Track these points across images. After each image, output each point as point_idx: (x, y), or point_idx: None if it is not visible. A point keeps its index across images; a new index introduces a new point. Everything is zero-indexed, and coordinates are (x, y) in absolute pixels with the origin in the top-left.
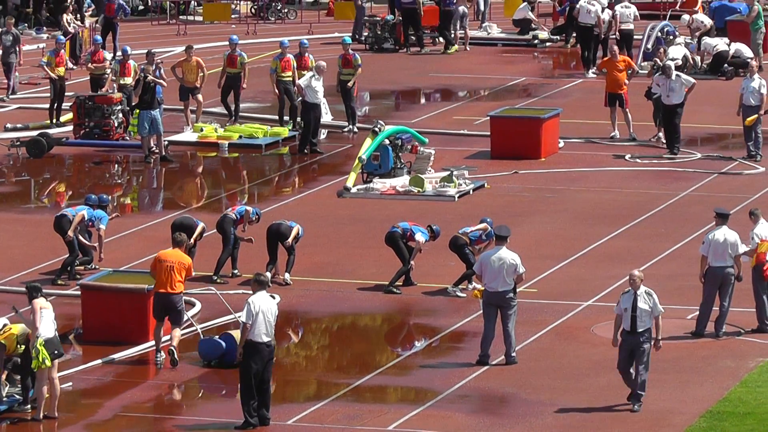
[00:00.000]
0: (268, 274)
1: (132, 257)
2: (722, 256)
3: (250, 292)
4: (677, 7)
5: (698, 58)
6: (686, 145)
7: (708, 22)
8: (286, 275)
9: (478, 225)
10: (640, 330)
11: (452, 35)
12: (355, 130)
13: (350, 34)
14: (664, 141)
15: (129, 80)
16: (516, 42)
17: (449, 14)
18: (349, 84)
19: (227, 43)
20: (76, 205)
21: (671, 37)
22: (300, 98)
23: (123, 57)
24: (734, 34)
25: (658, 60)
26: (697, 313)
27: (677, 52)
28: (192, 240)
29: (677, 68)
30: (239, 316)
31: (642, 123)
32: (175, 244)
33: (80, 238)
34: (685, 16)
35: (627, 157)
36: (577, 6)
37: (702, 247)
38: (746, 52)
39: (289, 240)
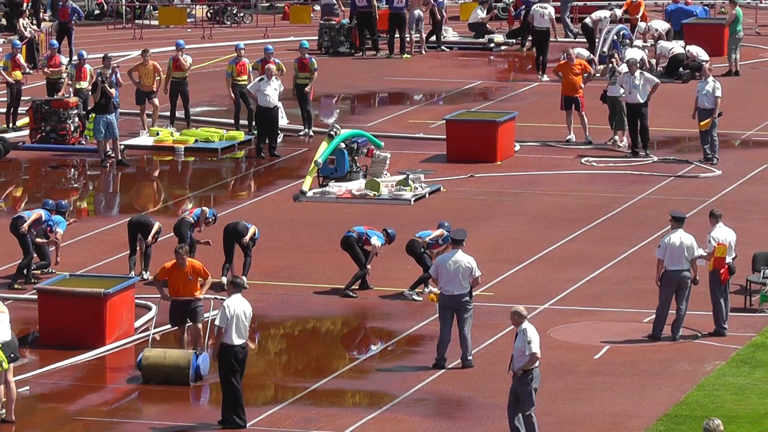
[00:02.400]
0: (245, 278)
1: (88, 261)
2: (678, 260)
3: (214, 297)
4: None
5: (654, 61)
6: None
7: (663, 27)
8: (243, 279)
9: (436, 231)
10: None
11: (408, 39)
12: (311, 133)
13: (307, 39)
14: (620, 144)
15: (85, 84)
16: (471, 46)
17: (398, 18)
18: (307, 89)
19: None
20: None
21: (627, 41)
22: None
23: (79, 61)
24: (690, 37)
25: (614, 63)
26: (654, 316)
27: (634, 54)
28: (149, 238)
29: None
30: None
31: (598, 126)
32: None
33: (37, 239)
34: (642, 24)
35: (583, 160)
36: (531, 11)
37: (658, 250)
38: (702, 55)
39: (246, 238)
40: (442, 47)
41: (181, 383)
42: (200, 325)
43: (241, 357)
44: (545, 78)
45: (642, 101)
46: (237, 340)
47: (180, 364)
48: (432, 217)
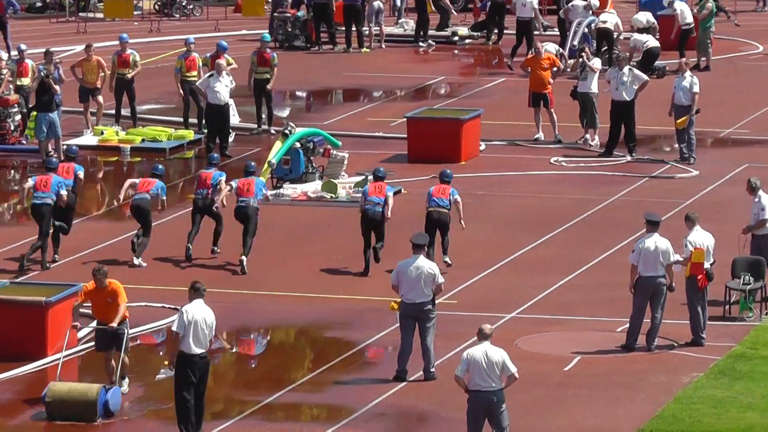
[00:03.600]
0: (204, 285)
1: (29, 268)
2: (653, 266)
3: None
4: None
5: (627, 55)
6: (616, 147)
7: (647, 20)
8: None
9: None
10: None
11: (366, 32)
12: (273, 131)
13: (268, 31)
14: (592, 143)
15: (27, 81)
16: (434, 39)
17: (353, 10)
18: (269, 86)
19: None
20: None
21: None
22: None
23: (20, 56)
24: (665, 29)
25: (584, 57)
26: (628, 325)
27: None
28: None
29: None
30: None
31: (568, 124)
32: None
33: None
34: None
35: (552, 160)
36: (513, 1)
37: (632, 255)
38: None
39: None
40: (430, 42)
41: (88, 420)
42: (116, 354)
43: (201, 367)
44: (511, 62)
45: (629, 99)
46: (195, 349)
47: (87, 398)
48: (392, 220)
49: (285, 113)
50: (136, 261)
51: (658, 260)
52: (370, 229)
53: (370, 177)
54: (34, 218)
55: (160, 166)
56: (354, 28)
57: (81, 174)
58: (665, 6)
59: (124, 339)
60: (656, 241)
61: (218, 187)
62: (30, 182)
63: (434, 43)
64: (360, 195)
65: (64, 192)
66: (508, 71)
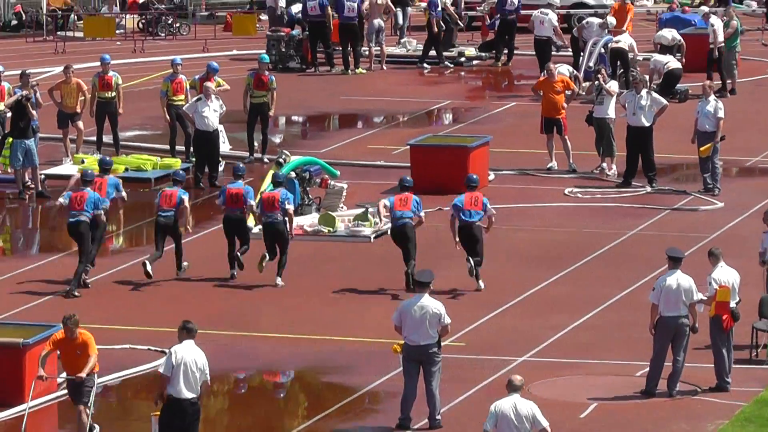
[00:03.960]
0: (196, 325)
1: (5, 307)
2: (675, 305)
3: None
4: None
5: (647, 77)
6: (634, 177)
7: (673, 36)
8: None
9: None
10: None
11: (366, 52)
12: (266, 160)
13: (265, 51)
14: (609, 173)
15: (1, 106)
16: (439, 60)
17: (349, 29)
18: (271, 113)
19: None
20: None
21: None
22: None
23: None
24: (688, 49)
25: (600, 79)
26: (648, 369)
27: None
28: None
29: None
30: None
31: (583, 152)
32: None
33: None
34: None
35: (566, 191)
36: (532, 17)
37: (652, 294)
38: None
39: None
40: (446, 63)
41: None
42: (82, 407)
43: (191, 414)
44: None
45: (647, 124)
46: (186, 393)
47: None
48: (395, 255)
49: (278, 140)
50: (181, 271)
51: (680, 299)
52: (400, 245)
53: (386, 201)
54: (72, 238)
55: (181, 172)
56: (351, 48)
57: (124, 194)
58: (693, 23)
59: (91, 393)
60: (678, 279)
61: (180, 207)
62: (63, 199)
63: (428, 66)
64: (375, 210)
65: (100, 211)
66: (518, 95)
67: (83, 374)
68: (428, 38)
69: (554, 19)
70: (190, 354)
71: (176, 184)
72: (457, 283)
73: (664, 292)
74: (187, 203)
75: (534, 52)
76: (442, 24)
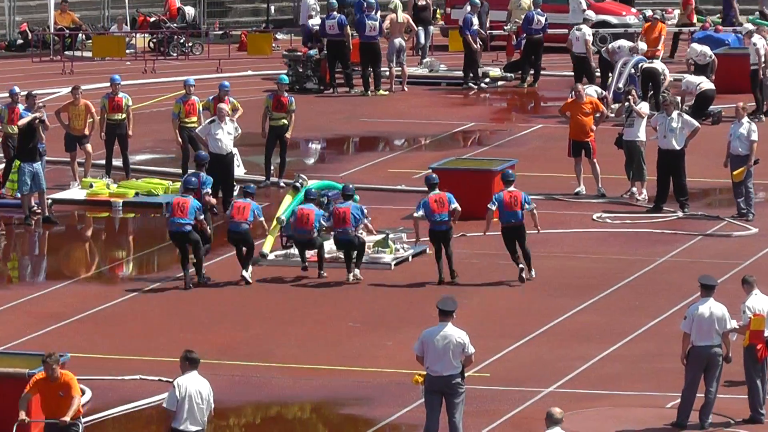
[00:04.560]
0: (198, 355)
1: (11, 336)
2: (708, 334)
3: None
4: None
5: (678, 99)
6: (665, 202)
7: (704, 53)
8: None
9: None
10: None
11: (387, 72)
12: (282, 184)
13: (286, 72)
14: (639, 197)
15: (15, 128)
16: (462, 81)
17: (370, 49)
18: (288, 135)
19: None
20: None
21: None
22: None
23: (12, 100)
24: (721, 69)
25: (631, 101)
26: (679, 400)
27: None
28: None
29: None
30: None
31: (612, 176)
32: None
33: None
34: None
35: (595, 216)
36: (569, 35)
37: (684, 323)
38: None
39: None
40: (482, 84)
41: None
42: None
43: None
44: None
45: (678, 148)
46: (191, 427)
47: None
48: (416, 283)
49: (296, 164)
50: (245, 274)
51: (713, 328)
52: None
53: (418, 213)
54: (175, 244)
55: (252, 185)
56: (371, 69)
57: (260, 216)
58: (727, 43)
59: None
60: (711, 307)
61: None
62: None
63: (475, 86)
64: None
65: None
66: (544, 117)
67: (67, 418)
68: (466, 58)
69: (588, 35)
70: (194, 386)
71: (248, 196)
72: (482, 313)
73: (696, 321)
74: (260, 217)
75: (572, 72)
76: (480, 42)
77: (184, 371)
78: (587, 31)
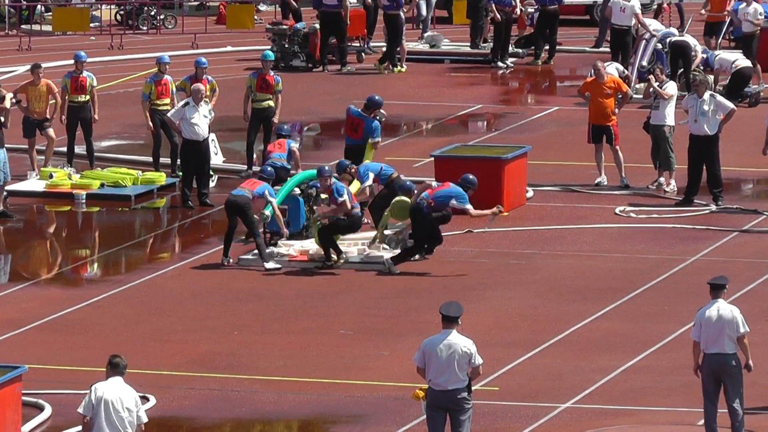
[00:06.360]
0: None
1: None
2: (717, 340)
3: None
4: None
5: (711, 78)
6: (697, 194)
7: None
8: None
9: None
10: None
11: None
12: None
13: (271, 48)
14: (667, 189)
15: None
16: (469, 57)
17: (392, 20)
18: (275, 119)
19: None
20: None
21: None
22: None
23: None
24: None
25: (653, 80)
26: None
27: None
28: None
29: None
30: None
31: (637, 165)
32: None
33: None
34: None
35: (618, 210)
36: (609, 4)
37: (693, 330)
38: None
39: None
40: (509, 63)
41: None
42: None
43: None
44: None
45: (711, 133)
46: None
47: None
48: (416, 286)
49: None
50: (269, 265)
51: (722, 333)
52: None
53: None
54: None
55: (269, 169)
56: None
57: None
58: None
59: None
60: (720, 309)
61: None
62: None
63: (505, 64)
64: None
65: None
66: (560, 99)
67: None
68: (495, 32)
69: (637, 6)
70: (113, 392)
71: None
72: (490, 319)
73: (704, 327)
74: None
75: (609, 47)
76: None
77: (107, 376)
78: (637, 3)
